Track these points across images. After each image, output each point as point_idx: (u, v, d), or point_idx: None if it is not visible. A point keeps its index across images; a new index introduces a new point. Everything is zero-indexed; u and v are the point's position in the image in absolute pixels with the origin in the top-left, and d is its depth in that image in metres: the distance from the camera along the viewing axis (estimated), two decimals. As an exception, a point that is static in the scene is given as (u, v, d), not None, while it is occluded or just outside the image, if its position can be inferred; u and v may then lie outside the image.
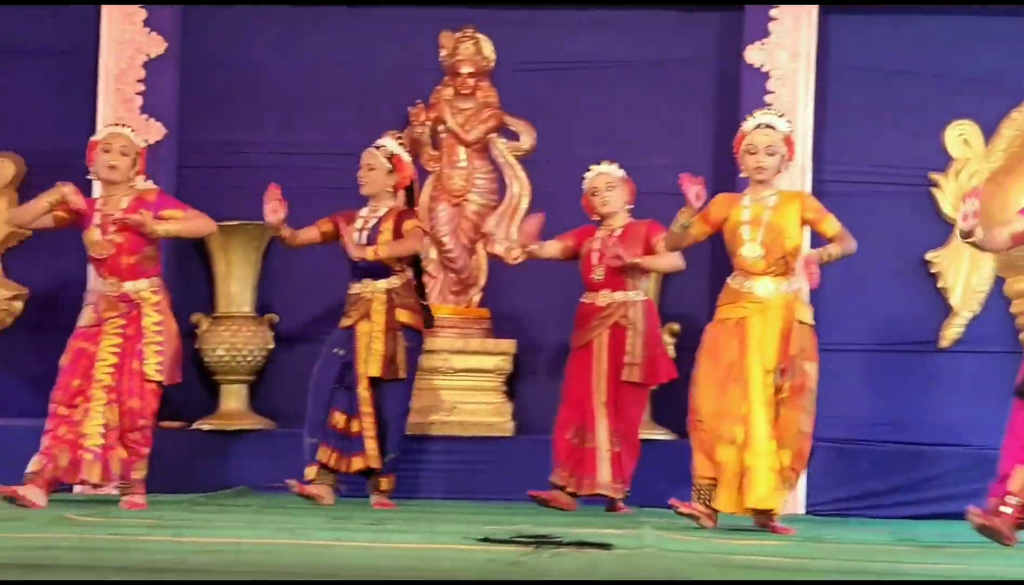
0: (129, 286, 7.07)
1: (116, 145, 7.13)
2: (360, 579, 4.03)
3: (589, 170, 7.72)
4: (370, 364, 7.49)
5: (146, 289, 7.08)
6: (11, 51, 9.01)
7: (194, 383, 8.60)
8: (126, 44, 8.59)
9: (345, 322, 7.62)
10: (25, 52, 9.01)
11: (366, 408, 7.51)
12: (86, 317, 7.14)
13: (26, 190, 8.91)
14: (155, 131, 8.51)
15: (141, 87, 8.59)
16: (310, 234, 7.68)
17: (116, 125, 7.39)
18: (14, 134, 8.99)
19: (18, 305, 8.87)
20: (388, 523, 6.30)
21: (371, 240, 7.55)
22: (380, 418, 7.55)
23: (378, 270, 7.57)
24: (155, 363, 7.02)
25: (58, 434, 6.97)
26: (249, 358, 8.57)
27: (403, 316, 7.58)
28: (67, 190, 7.05)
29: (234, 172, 8.95)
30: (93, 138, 7.24)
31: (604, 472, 7.52)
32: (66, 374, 7.04)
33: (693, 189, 6.50)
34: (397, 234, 7.54)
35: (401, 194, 7.75)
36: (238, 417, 8.55)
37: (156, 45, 8.66)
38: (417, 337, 7.70)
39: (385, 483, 7.62)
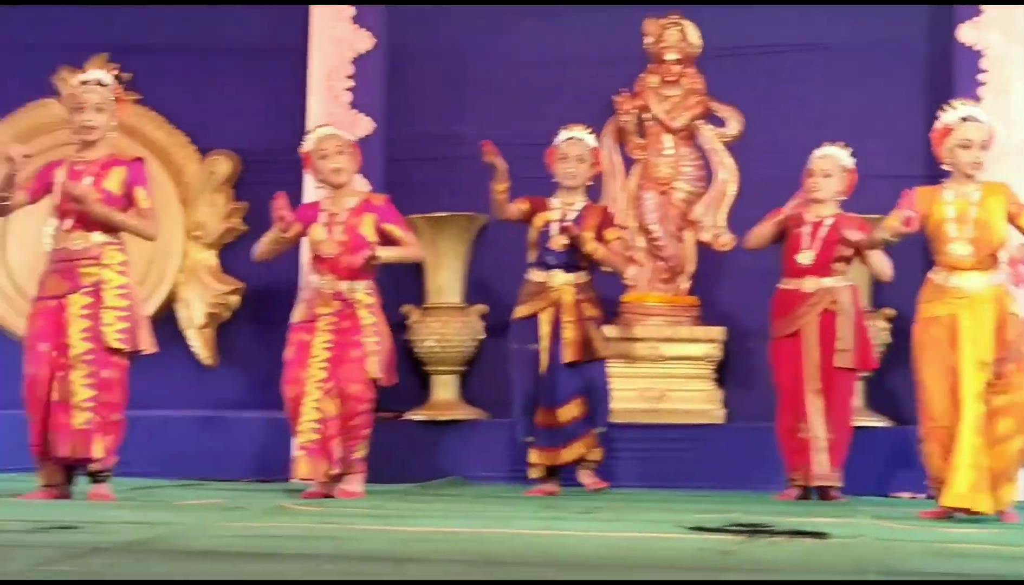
0: (345, 286, 7.11)
1: (331, 148, 7.19)
2: (573, 566, 4.02)
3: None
4: (566, 352, 7.50)
5: (361, 291, 7.12)
6: (224, 51, 9.20)
7: (405, 374, 8.69)
8: (335, 41, 8.70)
9: (524, 311, 7.62)
10: (237, 51, 9.20)
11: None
12: (299, 313, 7.22)
13: (241, 187, 9.12)
14: (364, 126, 8.62)
15: (350, 83, 8.70)
16: (513, 209, 7.69)
17: (323, 126, 7.43)
18: (229, 133, 9.18)
19: (235, 299, 9.06)
20: (600, 511, 6.29)
21: (560, 228, 7.56)
22: (584, 398, 7.58)
23: (570, 263, 7.59)
24: (375, 361, 7.08)
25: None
26: (459, 348, 8.63)
27: (589, 310, 7.60)
28: (278, 204, 7.07)
29: (441, 164, 9.03)
30: (303, 149, 7.28)
31: (822, 462, 7.39)
32: (292, 367, 7.14)
33: (904, 214, 6.39)
34: (598, 233, 7.56)
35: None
36: (449, 407, 8.62)
37: (364, 41, 8.77)
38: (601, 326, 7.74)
39: (594, 454, 7.61)
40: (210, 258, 9.11)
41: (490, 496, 7.38)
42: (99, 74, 6.78)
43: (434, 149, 9.05)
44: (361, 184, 8.40)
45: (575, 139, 7.68)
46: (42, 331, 6.62)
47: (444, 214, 8.60)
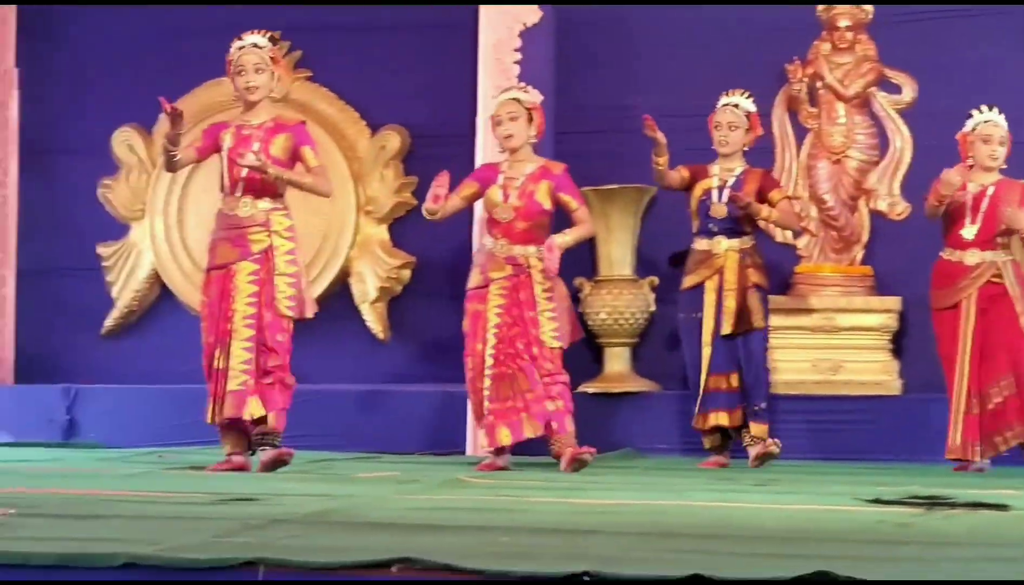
0: (519, 250, 7.15)
1: (504, 114, 7.25)
2: (748, 539, 4.00)
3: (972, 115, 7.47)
4: (723, 323, 7.46)
5: (535, 255, 7.15)
6: (394, 27, 9.28)
7: (578, 346, 8.68)
8: (503, 15, 8.71)
9: (692, 280, 7.63)
10: (407, 28, 9.26)
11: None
12: (473, 278, 7.27)
13: (411, 162, 9.19)
14: (533, 98, 8.61)
15: (518, 56, 8.70)
16: (674, 178, 7.67)
17: (508, 90, 7.48)
18: (399, 108, 9.26)
19: (406, 273, 9.14)
20: (775, 483, 6.25)
21: (729, 198, 7.51)
22: (742, 371, 7.53)
23: (733, 229, 7.54)
24: (551, 330, 7.10)
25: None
26: (631, 321, 8.61)
27: (754, 276, 7.54)
28: (438, 182, 7.09)
29: (610, 136, 8.99)
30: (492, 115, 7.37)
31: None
32: (470, 340, 7.20)
33: None
34: (762, 196, 7.50)
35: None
36: (622, 379, 8.61)
37: (532, 14, 8.76)
38: (764, 294, 7.67)
39: (756, 430, 7.55)
40: (381, 232, 9.20)
41: (663, 468, 7.37)
42: (254, 37, 6.87)
43: (603, 121, 9.02)
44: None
45: (728, 106, 7.65)
46: (214, 302, 6.74)
47: (614, 186, 8.58)
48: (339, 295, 9.18)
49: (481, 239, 7.45)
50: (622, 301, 8.62)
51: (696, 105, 8.67)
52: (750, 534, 4.17)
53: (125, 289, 9.49)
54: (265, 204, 6.72)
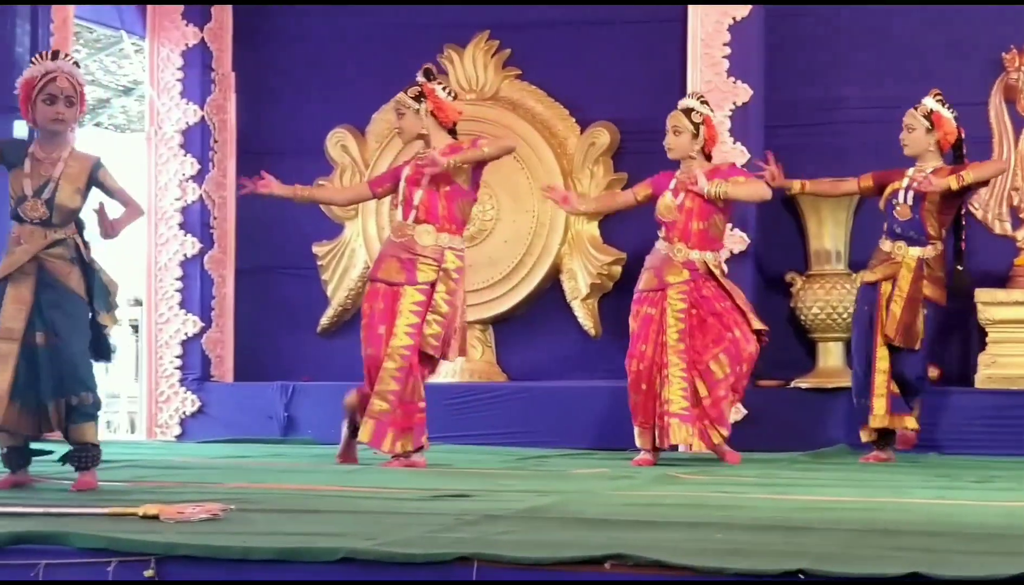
0: (695, 255, 7.24)
1: (668, 125, 7.44)
2: (969, 536, 3.91)
3: None
4: (887, 325, 7.35)
5: (712, 260, 7.29)
6: (603, 24, 9.27)
7: (791, 341, 8.62)
8: (712, 9, 8.65)
9: (869, 277, 7.55)
10: (616, 24, 9.25)
11: (881, 365, 7.40)
12: (645, 280, 7.33)
13: (620, 158, 9.18)
14: (742, 93, 8.55)
15: (727, 50, 8.63)
16: (855, 187, 7.72)
17: (685, 100, 7.61)
18: (608, 104, 9.25)
19: (617, 270, 9.13)
20: (997, 480, 6.12)
21: (916, 200, 7.38)
22: (897, 377, 7.45)
23: (917, 236, 7.41)
24: (751, 313, 7.28)
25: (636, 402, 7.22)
26: (844, 315, 8.49)
27: (928, 289, 7.44)
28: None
29: (820, 129, 8.88)
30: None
31: None
32: (636, 340, 7.26)
33: None
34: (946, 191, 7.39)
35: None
36: (836, 374, 8.49)
37: (741, 8, 8.68)
38: (940, 311, 7.55)
39: (910, 422, 7.44)
40: (592, 229, 9.21)
41: (878, 464, 7.26)
42: (401, 97, 7.15)
43: (813, 114, 8.90)
44: (739, 153, 8.38)
45: (911, 109, 7.54)
46: (382, 314, 6.90)
47: (824, 179, 8.45)
48: (551, 292, 9.22)
49: (657, 243, 7.48)
50: (834, 296, 8.51)
51: (910, 96, 8.52)
52: (969, 531, 4.09)
53: (339, 288, 9.65)
54: (444, 240, 6.93)
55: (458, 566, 3.36)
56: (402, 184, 7.02)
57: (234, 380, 9.69)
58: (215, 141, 9.68)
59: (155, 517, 4.11)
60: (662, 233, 7.43)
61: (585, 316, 9.14)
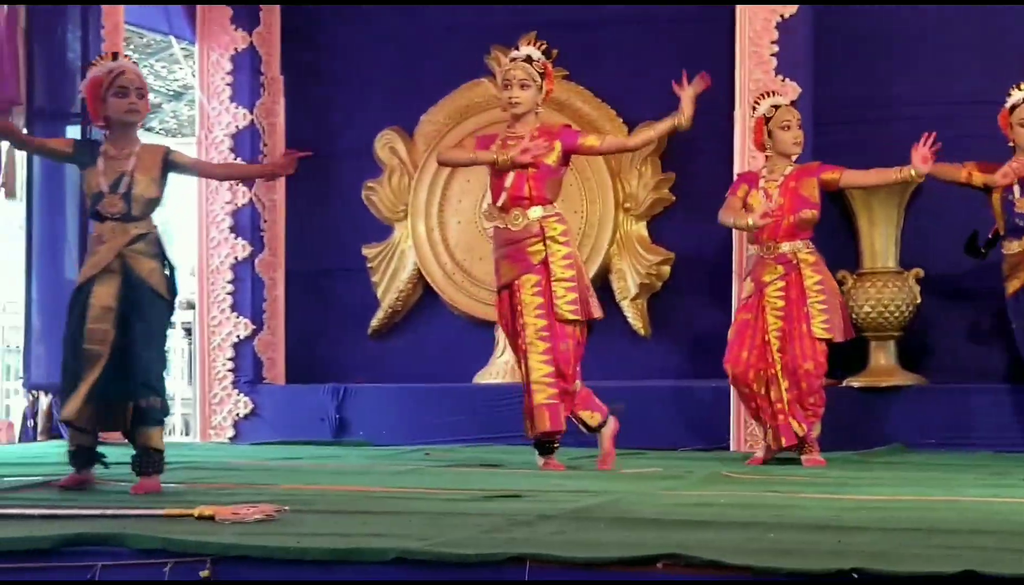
0: (786, 247, 7.21)
1: (794, 121, 7.38)
2: (1020, 534, 3.90)
3: None
4: None
5: (803, 250, 7.22)
6: (650, 23, 9.26)
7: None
8: (760, 7, 8.62)
9: (1013, 286, 7.41)
10: (663, 23, 9.24)
11: None
12: (746, 288, 7.32)
13: (668, 158, 9.16)
14: (791, 91, 8.51)
15: (775, 48, 8.61)
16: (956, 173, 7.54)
17: (775, 95, 7.60)
18: (655, 104, 9.13)
19: (666, 269, 9.12)
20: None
21: None
22: None
23: None
24: (821, 321, 7.15)
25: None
26: (896, 314, 8.46)
27: None
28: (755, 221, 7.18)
29: (870, 126, 8.84)
30: (756, 115, 7.54)
31: None
32: (732, 348, 7.25)
33: None
34: None
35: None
36: (888, 373, 8.46)
37: (788, 6, 8.65)
38: None
39: None
40: (640, 229, 9.20)
41: (932, 463, 7.23)
42: (528, 50, 6.94)
43: (863, 111, 8.86)
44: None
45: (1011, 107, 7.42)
46: (507, 321, 6.93)
47: (876, 177, 8.43)
48: (600, 292, 9.16)
49: (748, 248, 7.45)
50: (886, 294, 8.47)
51: (960, 92, 8.50)
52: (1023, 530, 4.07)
53: (389, 289, 9.68)
54: (536, 212, 6.80)
55: (510, 566, 3.37)
56: (490, 173, 6.93)
57: (286, 382, 9.73)
58: (264, 144, 9.72)
59: (210, 518, 4.15)
60: (751, 235, 7.40)
61: (635, 316, 9.14)
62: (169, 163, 5.68)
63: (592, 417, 6.85)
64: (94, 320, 5.48)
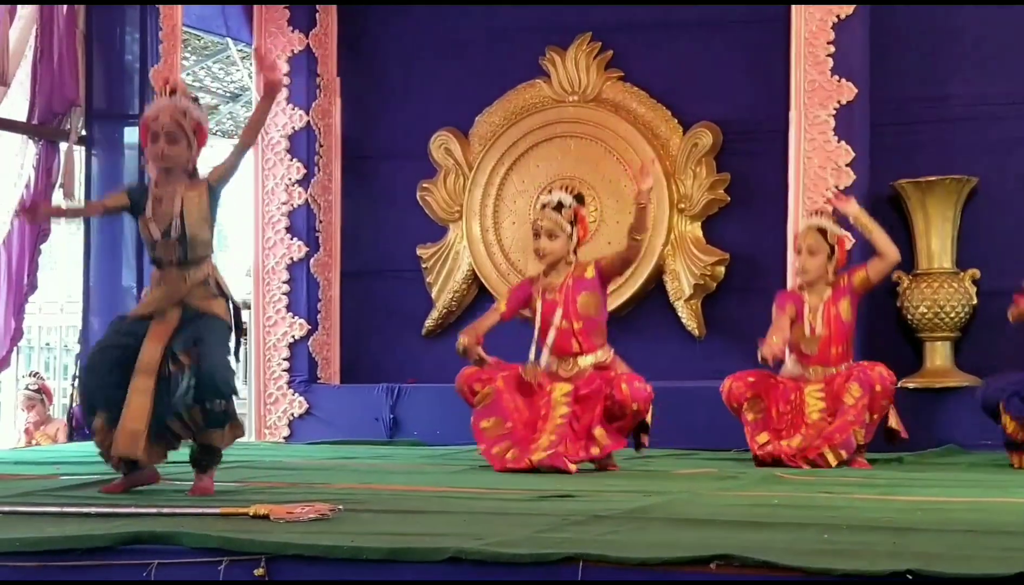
0: (833, 370, 7.22)
1: (804, 245, 7.23)
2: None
3: None
4: None
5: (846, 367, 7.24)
6: (705, 24, 9.25)
7: (898, 341, 8.55)
8: (816, 7, 8.59)
9: None
10: (718, 23, 9.23)
11: None
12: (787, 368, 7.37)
13: (723, 158, 9.15)
14: (847, 92, 8.49)
15: (831, 49, 8.58)
16: None
17: (811, 219, 7.45)
18: (710, 105, 9.23)
19: (720, 270, 9.11)
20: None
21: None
22: None
23: None
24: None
25: None
26: (952, 314, 8.42)
27: None
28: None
29: (928, 126, 8.79)
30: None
31: None
32: (742, 373, 7.38)
33: None
34: None
35: None
36: (943, 374, 8.42)
37: (844, 7, 8.62)
38: None
39: None
40: (695, 230, 9.19)
41: (987, 464, 7.19)
42: (559, 196, 6.98)
43: (919, 112, 8.82)
44: (843, 152, 8.32)
45: None
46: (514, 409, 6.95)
47: (932, 178, 8.40)
48: (654, 293, 9.21)
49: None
50: (942, 295, 8.43)
51: (1018, 93, 8.44)
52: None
53: (444, 290, 9.70)
54: (587, 361, 6.90)
55: (564, 566, 3.38)
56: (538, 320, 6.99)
57: (341, 382, 9.78)
58: (320, 145, 9.77)
59: (265, 517, 4.17)
60: (794, 355, 7.31)
61: (689, 317, 9.13)
62: (213, 194, 5.49)
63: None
64: (144, 352, 5.34)
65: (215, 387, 5.33)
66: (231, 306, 5.57)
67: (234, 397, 5.45)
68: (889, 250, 7.23)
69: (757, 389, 7.23)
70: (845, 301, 7.22)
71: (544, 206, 6.93)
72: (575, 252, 6.95)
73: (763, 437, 7.12)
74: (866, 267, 7.25)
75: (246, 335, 5.65)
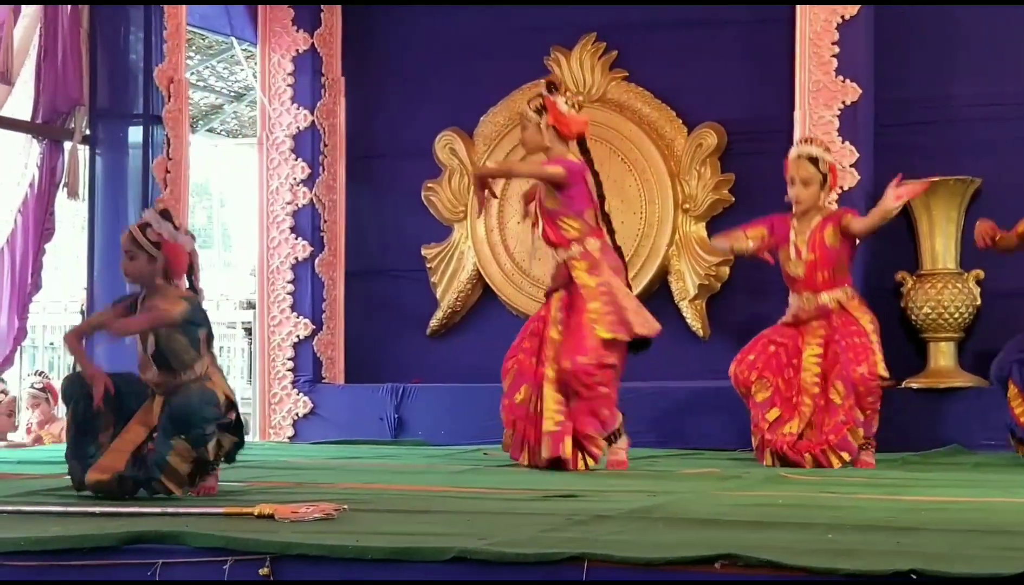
0: (825, 297, 7.21)
1: (797, 177, 7.26)
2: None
3: None
4: None
5: (843, 296, 7.27)
6: (710, 24, 9.25)
7: (902, 341, 8.54)
8: (820, 8, 8.58)
9: None
10: (723, 24, 9.22)
11: None
12: (787, 316, 7.40)
13: (728, 159, 9.15)
14: (851, 92, 8.48)
15: (836, 49, 8.57)
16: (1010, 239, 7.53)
17: (802, 146, 7.42)
18: (715, 105, 9.23)
19: (725, 270, 9.10)
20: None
21: None
22: None
23: None
24: (881, 360, 7.15)
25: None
26: (956, 315, 8.41)
27: None
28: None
29: (933, 127, 8.79)
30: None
31: None
32: (744, 350, 7.43)
33: None
34: None
35: None
36: (948, 375, 8.41)
37: (848, 7, 8.62)
38: None
39: None
40: (700, 230, 9.19)
41: (991, 464, 7.19)
42: (523, 109, 7.14)
43: (925, 112, 8.81)
44: (848, 152, 8.32)
45: None
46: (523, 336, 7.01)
47: (936, 178, 8.38)
48: (659, 293, 9.20)
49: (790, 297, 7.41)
50: (946, 295, 8.42)
51: (1020, 93, 8.43)
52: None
53: (448, 290, 9.70)
54: (561, 255, 6.98)
55: (568, 566, 3.38)
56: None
57: (345, 382, 9.78)
58: (325, 145, 9.78)
59: (270, 517, 4.18)
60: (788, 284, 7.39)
61: (693, 317, 9.13)
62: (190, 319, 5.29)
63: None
64: (129, 429, 5.26)
65: (186, 422, 5.16)
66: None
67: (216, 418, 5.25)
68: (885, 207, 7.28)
69: (760, 367, 7.22)
70: (831, 228, 7.23)
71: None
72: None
73: (774, 413, 7.13)
74: (857, 218, 7.25)
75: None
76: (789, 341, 7.28)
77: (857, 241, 7.40)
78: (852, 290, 7.32)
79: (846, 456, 6.99)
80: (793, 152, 7.35)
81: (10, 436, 8.57)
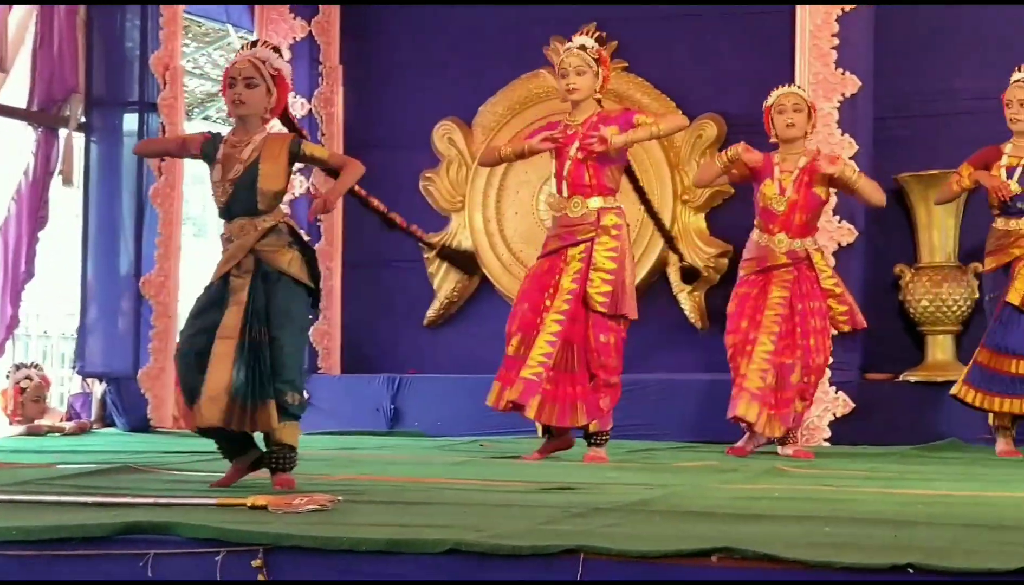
0: (797, 244, 7.17)
1: (788, 104, 7.26)
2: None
3: None
4: (1012, 293, 7.23)
5: (812, 246, 7.26)
6: (709, 15, 9.23)
7: (899, 334, 8.53)
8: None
9: (991, 264, 7.43)
10: (722, 15, 9.21)
11: None
12: (749, 267, 7.32)
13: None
14: (850, 84, 8.47)
15: (835, 41, 8.55)
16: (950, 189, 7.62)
17: (789, 85, 7.47)
18: (715, 96, 9.21)
19: (723, 262, 9.09)
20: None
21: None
22: None
23: None
24: (840, 314, 7.23)
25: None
26: (954, 308, 8.40)
27: None
28: (740, 148, 7.15)
29: (931, 120, 8.79)
30: (765, 104, 7.38)
31: None
32: (736, 318, 7.27)
33: None
34: None
35: None
36: (945, 368, 8.40)
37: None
38: None
39: None
40: (699, 221, 9.18)
41: (988, 459, 7.18)
42: (581, 39, 6.90)
43: (924, 105, 8.81)
44: (847, 144, 8.30)
45: (1018, 83, 7.45)
46: (526, 292, 6.83)
47: (934, 172, 8.37)
48: (657, 284, 9.19)
49: (756, 235, 7.35)
50: (944, 288, 8.42)
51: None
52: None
53: (445, 280, 9.68)
54: (595, 203, 6.75)
55: (564, 558, 3.35)
56: (553, 158, 6.86)
57: (341, 372, 9.76)
58: (323, 133, 9.75)
59: (264, 508, 4.15)
60: (759, 222, 7.33)
61: (691, 308, 9.11)
62: (295, 153, 5.30)
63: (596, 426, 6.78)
64: (226, 316, 5.13)
65: (288, 379, 5.11)
66: (308, 257, 5.37)
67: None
68: (875, 197, 7.30)
69: (745, 333, 7.19)
70: (822, 187, 7.25)
71: (569, 48, 6.90)
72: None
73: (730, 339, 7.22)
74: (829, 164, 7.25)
75: (319, 286, 5.43)
76: (759, 288, 7.25)
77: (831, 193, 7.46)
78: (815, 242, 7.34)
79: (782, 427, 7.11)
80: (775, 93, 7.34)
81: (37, 422, 8.55)
